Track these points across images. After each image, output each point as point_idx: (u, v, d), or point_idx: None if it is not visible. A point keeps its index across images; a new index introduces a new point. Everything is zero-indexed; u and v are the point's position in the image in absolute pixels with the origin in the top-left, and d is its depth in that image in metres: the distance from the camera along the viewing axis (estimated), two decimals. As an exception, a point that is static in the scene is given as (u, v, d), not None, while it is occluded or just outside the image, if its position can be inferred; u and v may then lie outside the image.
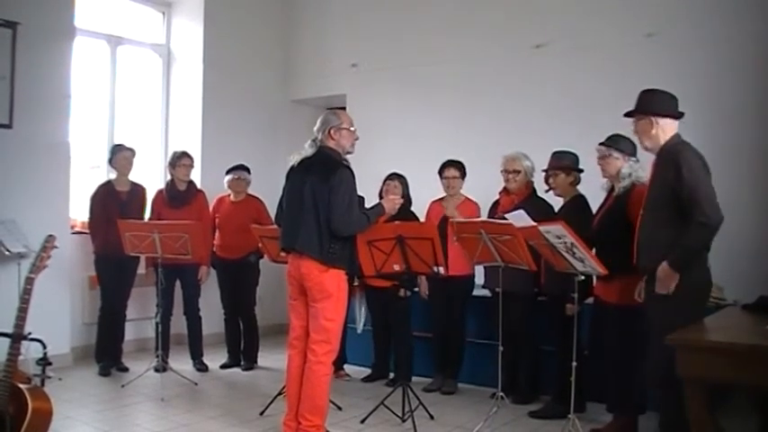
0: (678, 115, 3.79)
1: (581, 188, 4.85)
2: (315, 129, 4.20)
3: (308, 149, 4.15)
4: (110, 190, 5.91)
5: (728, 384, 2.98)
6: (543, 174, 4.98)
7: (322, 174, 4.00)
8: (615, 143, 4.32)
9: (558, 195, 4.91)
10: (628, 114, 3.87)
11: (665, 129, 3.74)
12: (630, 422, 4.32)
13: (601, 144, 4.39)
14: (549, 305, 4.86)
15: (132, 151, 5.98)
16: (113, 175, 6.01)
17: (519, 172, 5.11)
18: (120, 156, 5.92)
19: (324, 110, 8.75)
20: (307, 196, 4.02)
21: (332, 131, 4.12)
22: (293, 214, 4.10)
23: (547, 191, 5.01)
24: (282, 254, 4.38)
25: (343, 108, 7.71)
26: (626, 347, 4.22)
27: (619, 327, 4.23)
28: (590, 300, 4.60)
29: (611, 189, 4.44)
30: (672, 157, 3.63)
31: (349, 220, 3.99)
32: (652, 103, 3.78)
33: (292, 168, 4.20)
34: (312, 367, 4.03)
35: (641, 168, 4.24)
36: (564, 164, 4.82)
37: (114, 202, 5.83)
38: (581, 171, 4.82)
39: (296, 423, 4.07)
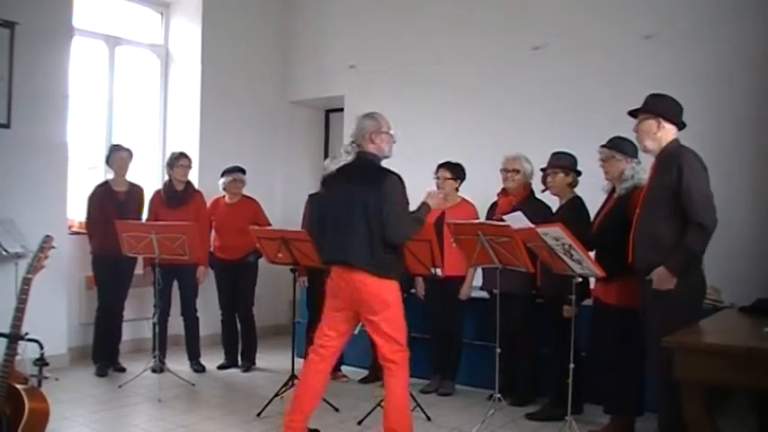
0: (682, 125, 3.82)
1: (578, 190, 4.85)
2: (351, 133, 4.05)
3: (345, 156, 4.02)
4: (107, 190, 5.90)
5: (726, 386, 2.98)
6: (541, 173, 4.97)
7: (370, 181, 3.86)
8: (618, 145, 4.32)
9: (555, 195, 4.90)
10: (632, 113, 3.88)
11: (668, 133, 3.78)
12: (628, 423, 4.32)
13: (603, 146, 4.39)
14: (547, 307, 4.86)
15: (129, 152, 5.98)
16: (111, 176, 6.01)
17: (518, 172, 5.11)
18: (116, 156, 5.92)
19: (323, 111, 8.83)
20: (354, 206, 3.85)
21: (373, 136, 3.99)
22: (338, 225, 3.91)
23: (543, 190, 5.01)
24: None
25: (342, 109, 7.73)
26: (624, 349, 4.22)
27: (618, 328, 4.22)
28: (587, 301, 4.60)
29: (612, 191, 4.44)
30: (674, 159, 3.68)
31: (405, 228, 3.89)
32: (660, 106, 3.81)
33: (330, 176, 4.04)
34: (394, 373, 3.90)
35: (643, 170, 4.24)
36: (564, 163, 4.81)
37: (112, 203, 5.83)
38: (579, 173, 4.82)
39: (301, 423, 3.98)
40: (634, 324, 4.03)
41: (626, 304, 4.09)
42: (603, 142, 4.42)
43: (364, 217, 3.82)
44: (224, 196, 6.28)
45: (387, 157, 4.08)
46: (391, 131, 4.07)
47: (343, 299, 3.97)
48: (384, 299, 3.87)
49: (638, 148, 4.16)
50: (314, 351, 4.09)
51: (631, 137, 4.08)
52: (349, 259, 3.86)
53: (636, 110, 3.89)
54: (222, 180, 6.23)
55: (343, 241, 3.87)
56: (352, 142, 4.04)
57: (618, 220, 4.22)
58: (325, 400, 4.92)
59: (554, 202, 5.00)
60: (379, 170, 3.94)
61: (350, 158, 4.02)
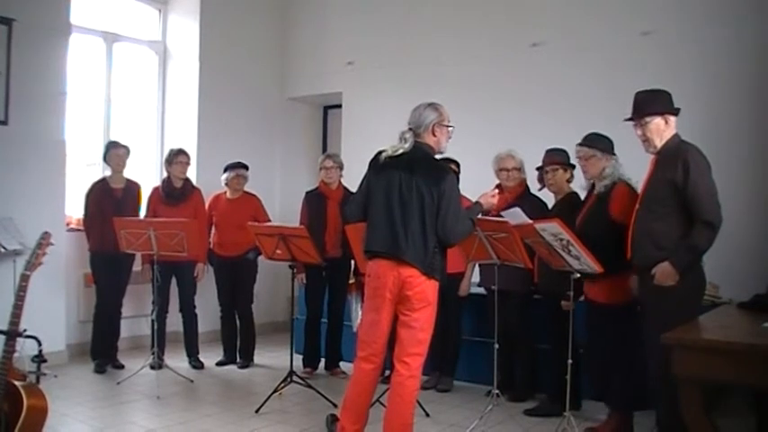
0: (678, 111, 3.81)
1: (571, 186, 4.85)
2: (410, 120, 3.86)
3: (402, 144, 3.82)
4: (105, 187, 5.90)
5: (725, 384, 2.98)
6: (538, 171, 4.97)
7: (430, 176, 3.72)
8: (597, 143, 4.31)
9: (553, 192, 4.90)
10: (639, 117, 3.80)
11: (671, 126, 3.78)
12: (626, 420, 4.32)
13: (582, 144, 4.36)
14: (545, 303, 4.86)
15: (126, 149, 5.97)
16: (108, 173, 6.00)
17: (518, 169, 5.11)
18: (113, 153, 5.91)
19: (321, 108, 8.80)
20: (411, 198, 3.71)
21: (435, 128, 3.83)
22: (391, 216, 3.74)
23: (540, 188, 5.01)
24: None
25: (340, 106, 7.72)
26: (619, 345, 4.21)
27: (611, 325, 4.21)
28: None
29: (592, 188, 4.43)
30: (679, 155, 3.66)
31: (463, 229, 3.80)
32: (661, 102, 3.78)
33: (384, 161, 3.82)
34: (405, 383, 3.74)
35: (621, 166, 4.25)
36: (562, 159, 4.81)
37: (109, 200, 5.82)
38: (574, 167, 4.82)
39: (358, 426, 3.84)
40: (626, 320, 4.04)
41: (616, 301, 4.11)
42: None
43: (419, 212, 3.70)
44: (225, 192, 6.27)
45: (441, 152, 3.96)
46: (451, 126, 3.93)
47: (382, 296, 3.78)
48: (427, 296, 3.77)
49: (613, 143, 4.18)
50: (366, 360, 3.86)
51: (624, 133, 4.07)
52: (404, 256, 3.70)
53: (636, 114, 3.83)
54: (225, 176, 6.21)
55: (397, 235, 3.72)
56: (410, 129, 3.85)
57: (600, 217, 4.20)
58: (324, 397, 4.94)
59: (548, 199, 5.00)
60: (439, 165, 3.84)
61: (407, 147, 3.80)
